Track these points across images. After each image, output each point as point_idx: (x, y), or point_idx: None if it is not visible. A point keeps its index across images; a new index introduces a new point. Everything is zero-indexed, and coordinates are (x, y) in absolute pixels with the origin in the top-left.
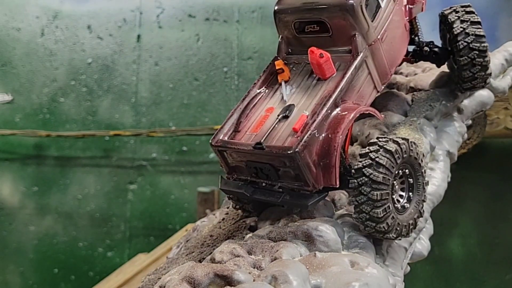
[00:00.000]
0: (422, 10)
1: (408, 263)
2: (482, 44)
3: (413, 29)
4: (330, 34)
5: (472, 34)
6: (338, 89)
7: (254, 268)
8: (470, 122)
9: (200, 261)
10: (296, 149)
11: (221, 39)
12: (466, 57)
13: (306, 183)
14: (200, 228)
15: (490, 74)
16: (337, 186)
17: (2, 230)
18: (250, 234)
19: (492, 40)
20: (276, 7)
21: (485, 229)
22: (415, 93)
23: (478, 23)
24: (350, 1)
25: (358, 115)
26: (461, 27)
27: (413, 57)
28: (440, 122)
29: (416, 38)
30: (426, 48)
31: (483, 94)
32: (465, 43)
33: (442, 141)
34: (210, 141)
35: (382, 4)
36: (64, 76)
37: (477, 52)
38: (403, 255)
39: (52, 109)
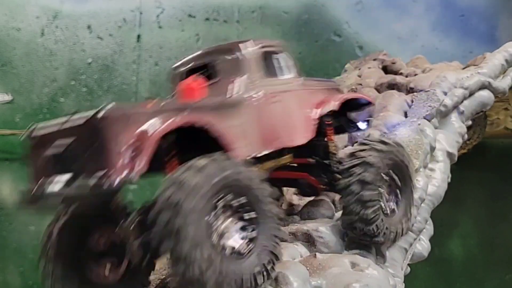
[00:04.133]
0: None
1: (408, 264)
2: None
3: (321, 133)
4: (217, 80)
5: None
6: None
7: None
8: (470, 122)
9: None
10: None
11: (221, 39)
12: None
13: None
14: None
15: (380, 234)
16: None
17: (2, 230)
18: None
19: (492, 40)
20: (173, 66)
21: (485, 230)
22: (415, 93)
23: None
24: (243, 44)
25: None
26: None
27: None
28: (440, 123)
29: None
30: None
31: (483, 95)
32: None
33: (442, 141)
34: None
35: (284, 76)
36: (64, 76)
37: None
38: (403, 256)
39: (52, 109)
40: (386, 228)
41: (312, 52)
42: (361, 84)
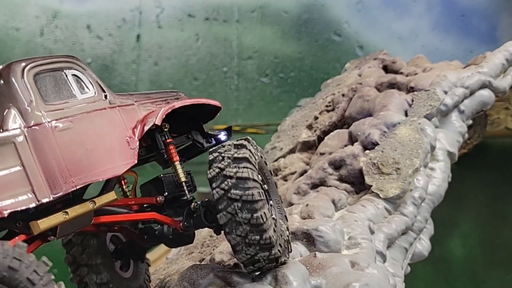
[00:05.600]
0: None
1: (409, 264)
2: (254, 215)
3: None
4: None
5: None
6: None
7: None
8: (470, 121)
9: (200, 262)
10: None
11: (220, 38)
12: (234, 235)
13: None
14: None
15: (282, 252)
16: None
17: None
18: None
19: (492, 40)
20: None
21: (486, 229)
22: (415, 93)
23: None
24: (7, 66)
25: None
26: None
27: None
28: (441, 122)
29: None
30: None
31: (484, 94)
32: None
33: (442, 140)
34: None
35: (79, 96)
36: None
37: (248, 227)
38: (403, 255)
39: None
40: (280, 236)
41: (312, 52)
42: (361, 84)
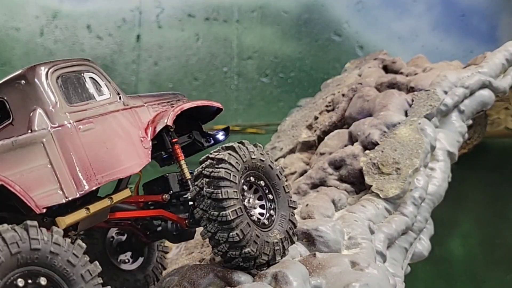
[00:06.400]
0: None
1: (409, 264)
2: (222, 213)
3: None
4: (11, 120)
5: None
6: None
7: (254, 268)
8: (470, 121)
9: (200, 262)
10: None
11: (220, 39)
12: (206, 230)
13: None
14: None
15: (259, 253)
16: None
17: None
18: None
19: (492, 40)
20: None
21: (486, 229)
22: (415, 93)
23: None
24: (32, 69)
25: None
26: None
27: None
28: (441, 122)
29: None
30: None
31: (484, 94)
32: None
33: (442, 141)
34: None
35: (97, 97)
36: None
37: (217, 224)
38: (403, 255)
39: None
40: (258, 236)
41: (312, 52)
42: (361, 84)
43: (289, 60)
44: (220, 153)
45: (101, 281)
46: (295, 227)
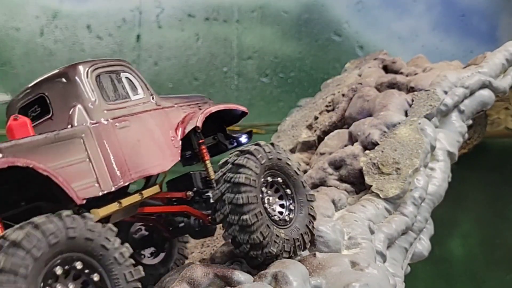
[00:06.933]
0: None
1: (409, 264)
2: (242, 217)
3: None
4: (51, 115)
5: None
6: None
7: (254, 268)
8: (470, 122)
9: (200, 262)
10: None
11: (220, 38)
12: (227, 233)
13: None
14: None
15: (281, 250)
16: None
17: None
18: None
19: (492, 40)
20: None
21: (486, 229)
22: (415, 93)
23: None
24: (73, 67)
25: None
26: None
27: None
28: (441, 122)
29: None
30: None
31: (484, 94)
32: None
33: (442, 141)
34: None
35: (132, 97)
36: None
37: (238, 228)
38: (403, 255)
39: None
40: (277, 236)
41: (312, 52)
42: (361, 84)
43: (289, 60)
44: (239, 158)
45: (134, 262)
46: (315, 219)
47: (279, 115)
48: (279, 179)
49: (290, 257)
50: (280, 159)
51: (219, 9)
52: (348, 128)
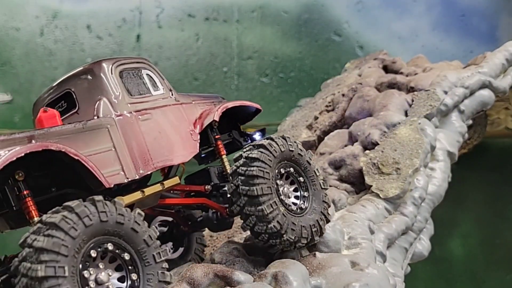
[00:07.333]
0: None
1: (409, 264)
2: (258, 208)
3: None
4: (77, 109)
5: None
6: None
7: (254, 268)
8: (470, 122)
9: (199, 262)
10: None
11: (220, 39)
12: (245, 224)
13: None
14: None
15: (299, 238)
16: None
17: None
18: (250, 234)
19: (492, 40)
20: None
21: (486, 229)
22: (415, 93)
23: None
24: (98, 63)
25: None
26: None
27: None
28: (441, 122)
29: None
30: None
31: (484, 94)
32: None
33: (442, 141)
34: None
35: (151, 92)
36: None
37: (255, 218)
38: (403, 255)
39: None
40: (294, 224)
41: (312, 52)
42: (361, 84)
43: (289, 60)
44: (252, 152)
45: (160, 243)
46: (329, 206)
47: (279, 115)
48: (292, 170)
49: (308, 244)
50: (291, 151)
51: (219, 9)
52: (348, 128)
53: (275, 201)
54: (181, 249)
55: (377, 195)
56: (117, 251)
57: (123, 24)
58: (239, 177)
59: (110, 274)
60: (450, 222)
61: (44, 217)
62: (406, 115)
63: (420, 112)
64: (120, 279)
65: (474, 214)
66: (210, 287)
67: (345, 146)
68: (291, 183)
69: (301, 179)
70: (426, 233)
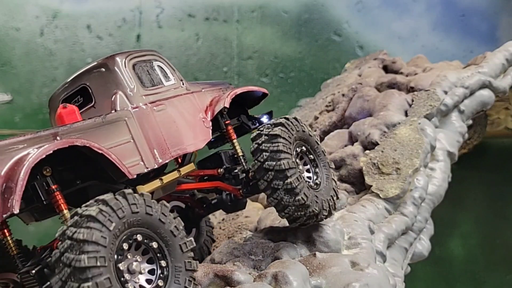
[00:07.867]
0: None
1: (409, 264)
2: (286, 181)
3: (223, 135)
4: (93, 103)
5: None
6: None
7: (254, 268)
8: (470, 122)
9: (199, 262)
10: None
11: (221, 38)
12: (272, 198)
13: None
14: None
15: (320, 209)
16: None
17: None
18: (250, 234)
19: (492, 40)
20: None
21: (486, 229)
22: (415, 93)
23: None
24: (112, 58)
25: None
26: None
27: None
28: (441, 122)
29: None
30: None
31: (484, 94)
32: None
33: (442, 141)
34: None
35: (163, 83)
36: (63, 76)
37: (283, 192)
38: (403, 255)
39: None
40: (317, 196)
41: (312, 52)
42: (361, 84)
43: (289, 60)
44: (274, 129)
45: (185, 233)
46: (336, 183)
47: (279, 115)
48: (304, 148)
49: (327, 216)
50: (304, 131)
51: (219, 9)
52: (348, 128)
53: (300, 175)
54: (194, 231)
55: (377, 195)
56: (145, 240)
57: (123, 24)
58: (263, 153)
59: (142, 264)
60: (450, 222)
61: (79, 210)
62: (406, 115)
63: (420, 112)
64: (150, 272)
65: (474, 214)
66: (210, 287)
67: (345, 146)
68: (301, 159)
69: (312, 157)
70: (426, 233)
